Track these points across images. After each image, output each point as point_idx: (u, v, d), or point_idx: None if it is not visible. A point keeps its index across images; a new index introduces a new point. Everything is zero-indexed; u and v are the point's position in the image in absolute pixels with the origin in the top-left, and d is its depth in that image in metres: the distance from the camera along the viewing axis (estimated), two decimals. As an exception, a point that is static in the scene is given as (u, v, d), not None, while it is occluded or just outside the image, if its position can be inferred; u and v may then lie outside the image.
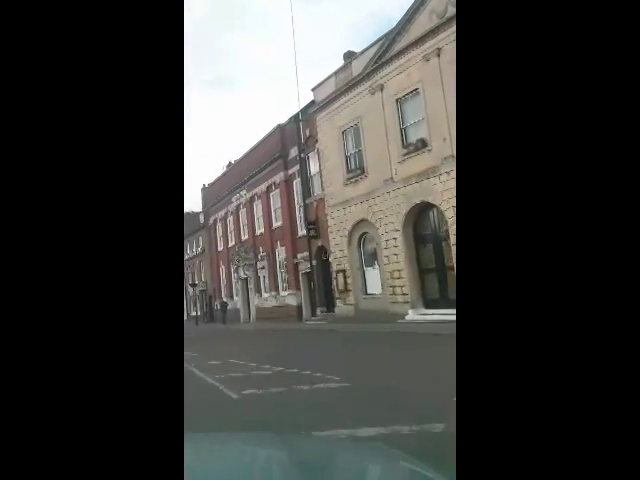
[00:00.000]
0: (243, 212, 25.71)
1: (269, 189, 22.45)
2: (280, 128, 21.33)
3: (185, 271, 37.19)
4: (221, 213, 28.72)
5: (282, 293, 21.58)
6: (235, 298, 26.96)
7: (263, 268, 22.81)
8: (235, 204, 26.41)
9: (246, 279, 25.21)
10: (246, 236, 25.26)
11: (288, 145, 20.69)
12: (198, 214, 36.04)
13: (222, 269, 29.23)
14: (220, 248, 29.38)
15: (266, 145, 22.47)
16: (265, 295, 23.18)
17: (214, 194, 29.85)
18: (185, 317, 37.61)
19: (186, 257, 36.59)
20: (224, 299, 28.60)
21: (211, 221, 30.74)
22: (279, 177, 21.24)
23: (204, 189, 36.32)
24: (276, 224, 22.02)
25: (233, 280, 27.25)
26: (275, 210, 22.23)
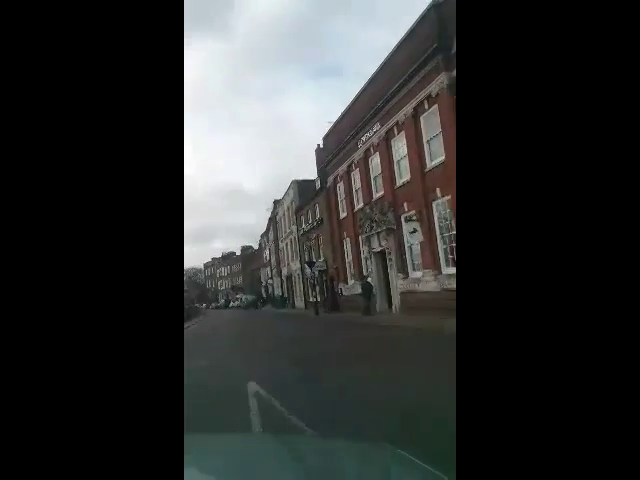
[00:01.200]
0: (375, 158, 18.04)
1: (418, 110, 14.36)
2: (434, 6, 13.19)
3: (300, 248, 30.81)
4: (342, 168, 21.35)
5: (446, 270, 13.56)
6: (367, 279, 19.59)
7: (414, 232, 14.85)
8: (363, 149, 18.81)
9: (383, 252, 17.60)
10: (381, 191, 17.62)
11: (451, 29, 12.50)
12: (313, 181, 29.44)
13: (346, 242, 21.96)
14: (343, 215, 22.10)
15: (411, 44, 14.45)
16: (416, 274, 15.24)
17: (332, 146, 22.62)
18: (302, 305, 31.27)
19: (300, 231, 30.16)
20: (351, 280, 21.37)
21: (330, 182, 23.58)
22: (437, 85, 13.09)
23: (318, 150, 29.55)
24: (432, 163, 13.96)
25: (363, 255, 19.91)
26: (429, 141, 14.12)
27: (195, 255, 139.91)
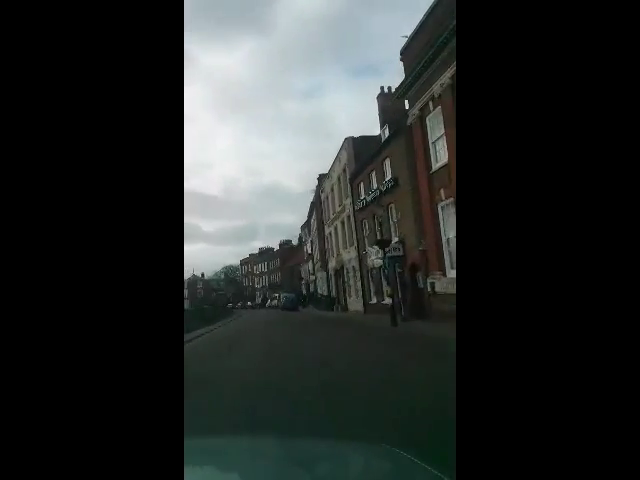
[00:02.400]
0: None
1: None
2: None
3: (356, 228, 22.34)
4: (442, 82, 12.70)
5: None
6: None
7: None
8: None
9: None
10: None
11: None
12: (374, 137, 21.18)
13: (444, 208, 13.35)
14: (439, 163, 13.50)
15: None
16: None
17: (418, 56, 14.01)
18: (359, 307, 22.78)
19: (358, 205, 21.72)
20: (452, 269, 12.76)
21: (412, 117, 14.99)
22: None
23: (381, 96, 21.26)
24: None
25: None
26: None
27: (236, 255, 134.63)
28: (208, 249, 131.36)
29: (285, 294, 45.32)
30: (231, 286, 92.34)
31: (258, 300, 69.19)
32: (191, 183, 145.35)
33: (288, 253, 69.95)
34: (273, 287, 69.16)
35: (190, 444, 1.01)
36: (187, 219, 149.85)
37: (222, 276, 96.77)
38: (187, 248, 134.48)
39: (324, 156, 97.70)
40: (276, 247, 76.35)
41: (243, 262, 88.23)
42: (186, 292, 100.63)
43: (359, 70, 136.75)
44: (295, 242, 72.06)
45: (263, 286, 77.44)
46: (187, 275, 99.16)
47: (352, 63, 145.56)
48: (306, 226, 52.68)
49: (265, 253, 79.55)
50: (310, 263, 47.79)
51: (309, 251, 49.71)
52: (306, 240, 51.70)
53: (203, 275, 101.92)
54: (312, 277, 45.05)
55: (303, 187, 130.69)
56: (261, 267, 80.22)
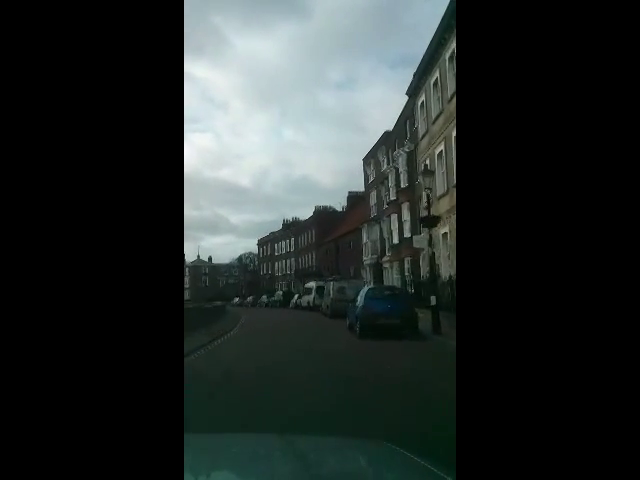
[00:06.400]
0: None
1: None
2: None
3: None
4: None
5: None
6: None
7: None
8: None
9: None
10: None
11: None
12: None
13: None
14: None
15: None
16: None
17: None
18: None
19: None
20: None
21: None
22: None
23: None
24: None
25: None
26: None
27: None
28: (234, 241, 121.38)
29: (350, 282, 16.93)
30: (244, 273, 65.41)
31: (279, 294, 40.17)
32: (221, 173, 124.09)
33: (327, 222, 41.79)
34: (303, 275, 40.70)
35: (190, 441, 1.00)
36: (215, 210, 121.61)
37: (237, 263, 70.45)
38: (213, 240, 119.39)
39: (356, 151, 74.64)
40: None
41: (261, 242, 59.45)
42: (186, 280, 75.52)
43: (395, 62, 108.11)
44: (339, 208, 44.29)
45: (287, 273, 49.19)
46: (190, 259, 74.34)
47: (388, 54, 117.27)
48: (387, 138, 24.51)
49: (293, 226, 51.09)
50: (404, 212, 19.78)
51: (392, 197, 21.65)
52: (390, 167, 23.28)
53: (210, 259, 75.30)
54: (421, 239, 16.94)
55: (334, 181, 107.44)
56: (285, 246, 51.71)
